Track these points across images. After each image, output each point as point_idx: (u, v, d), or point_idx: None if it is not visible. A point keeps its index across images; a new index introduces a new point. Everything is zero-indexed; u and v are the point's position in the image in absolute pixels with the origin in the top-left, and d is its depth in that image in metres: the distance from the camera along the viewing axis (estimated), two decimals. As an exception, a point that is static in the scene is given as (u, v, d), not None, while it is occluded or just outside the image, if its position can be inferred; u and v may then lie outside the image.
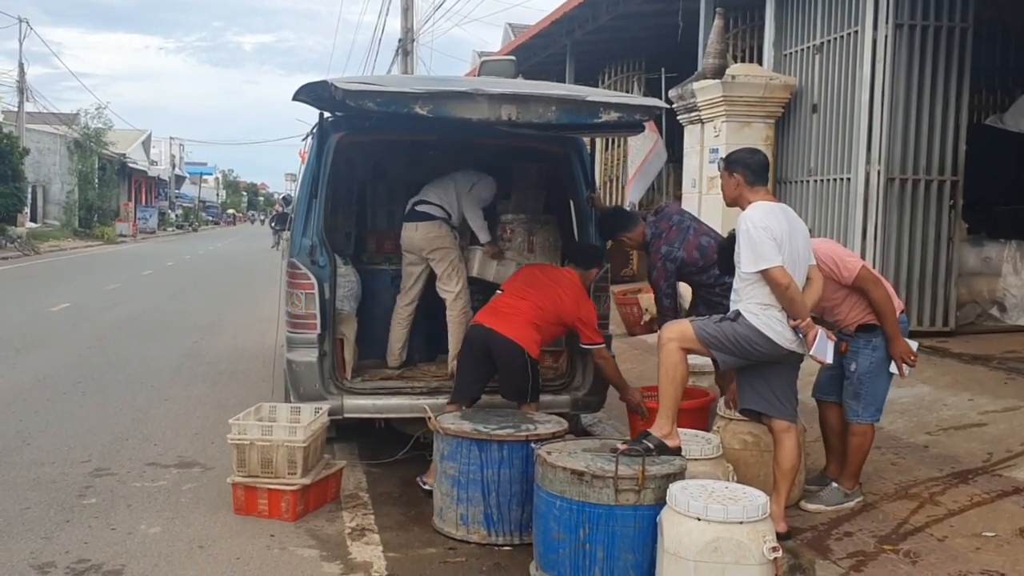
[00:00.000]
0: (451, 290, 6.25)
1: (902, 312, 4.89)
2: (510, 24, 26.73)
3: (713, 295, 5.46)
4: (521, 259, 7.01)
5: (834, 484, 4.85)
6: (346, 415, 5.68)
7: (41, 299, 15.33)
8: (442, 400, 5.43)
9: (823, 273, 4.54)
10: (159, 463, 5.96)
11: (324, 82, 4.93)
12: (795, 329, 4.21)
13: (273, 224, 10.28)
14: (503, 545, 4.64)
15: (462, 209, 6.36)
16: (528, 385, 5.34)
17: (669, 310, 5.47)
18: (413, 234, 6.24)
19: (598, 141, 15.90)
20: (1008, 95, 11.39)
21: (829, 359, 4.30)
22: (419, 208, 6.27)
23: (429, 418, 4.93)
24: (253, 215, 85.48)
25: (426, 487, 5.22)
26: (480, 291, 6.53)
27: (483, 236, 6.44)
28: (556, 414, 5.34)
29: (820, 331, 4.22)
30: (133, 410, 7.46)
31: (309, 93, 5.34)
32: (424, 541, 4.71)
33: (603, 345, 5.53)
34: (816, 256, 4.52)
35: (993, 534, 4.24)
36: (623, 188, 15.33)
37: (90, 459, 6.01)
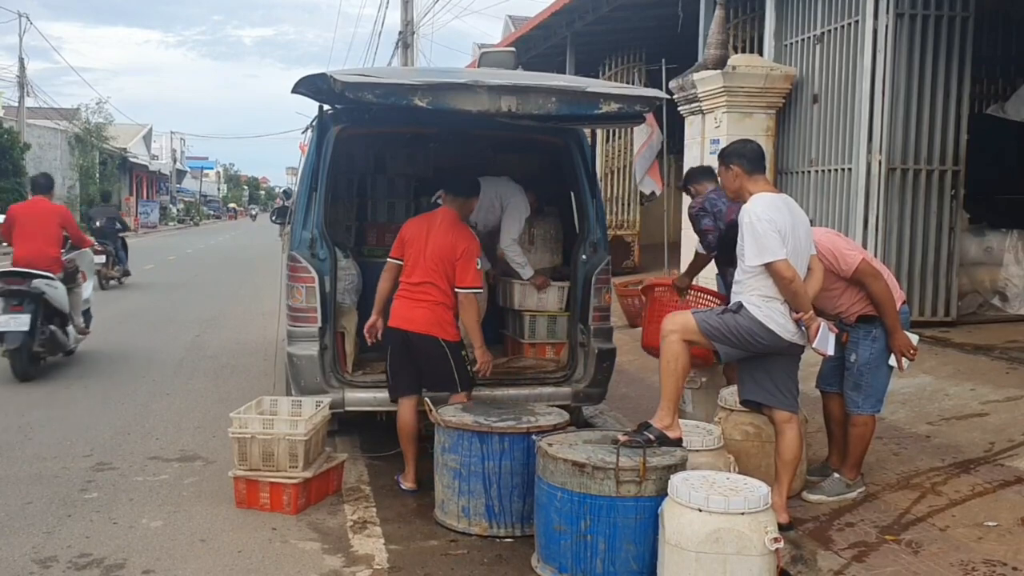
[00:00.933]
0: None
1: (904, 303, 4.87)
2: (510, 16, 26.69)
3: None
4: (522, 251, 7.01)
5: (836, 474, 4.84)
6: (347, 408, 5.68)
7: (43, 294, 15.31)
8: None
9: (824, 263, 4.53)
10: (161, 457, 5.97)
11: (323, 75, 4.92)
12: (797, 321, 4.20)
13: (273, 218, 10.33)
14: (505, 537, 4.65)
15: (491, 229, 6.50)
16: (452, 371, 5.26)
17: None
18: None
19: (599, 132, 15.88)
20: (1009, 84, 11.35)
21: (830, 351, 4.32)
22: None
23: (430, 410, 4.93)
24: (253, 208, 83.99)
25: (403, 487, 5.29)
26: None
27: (526, 273, 6.49)
28: (557, 406, 5.34)
29: (822, 324, 4.23)
30: (135, 404, 7.47)
31: (308, 86, 5.33)
32: (426, 533, 4.72)
33: (474, 291, 5.33)
34: (816, 247, 4.51)
35: (995, 524, 4.24)
36: (624, 179, 15.35)
37: (92, 453, 6.01)
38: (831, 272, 4.60)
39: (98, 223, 16.19)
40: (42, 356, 8.38)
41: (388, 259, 5.51)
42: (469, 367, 5.34)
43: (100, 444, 6.24)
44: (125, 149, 47.90)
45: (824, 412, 5.14)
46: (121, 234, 16.34)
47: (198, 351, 10.08)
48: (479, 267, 5.30)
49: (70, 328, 8.62)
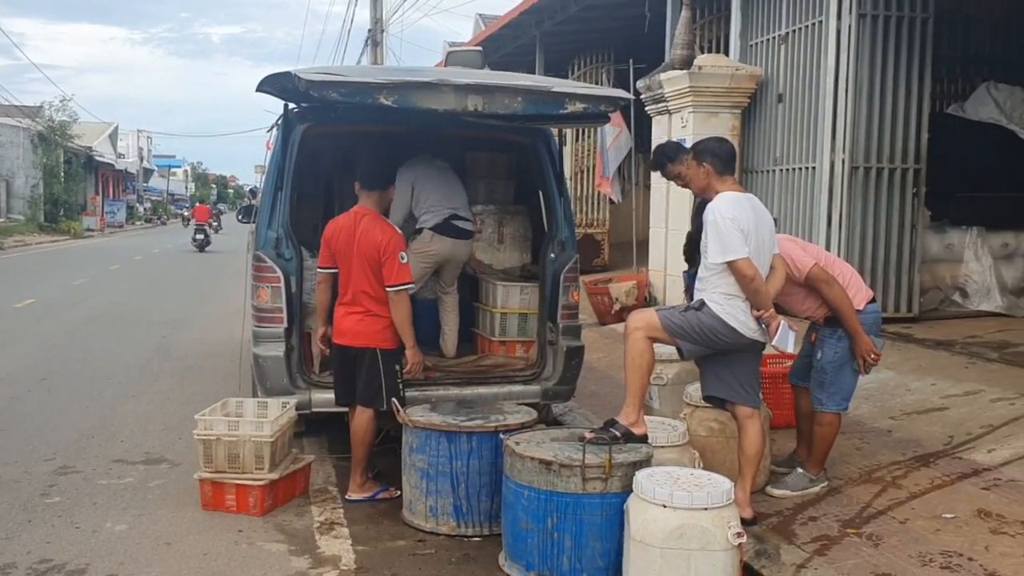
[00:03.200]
0: (452, 290, 6.55)
1: (872, 301, 4.90)
2: (480, 15, 26.67)
3: None
4: (491, 250, 7.04)
5: (800, 469, 4.91)
6: (314, 409, 5.64)
7: (6, 295, 15.11)
8: (412, 392, 5.42)
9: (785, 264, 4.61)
10: (125, 460, 5.91)
11: (288, 73, 4.90)
12: (758, 319, 4.26)
13: (240, 217, 10.35)
14: (472, 536, 4.66)
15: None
16: (381, 384, 5.09)
17: None
18: (455, 249, 6.31)
19: (568, 132, 15.92)
20: (969, 84, 11.52)
21: (791, 349, 4.38)
22: (459, 224, 6.29)
23: (397, 411, 4.92)
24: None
25: (351, 499, 5.14)
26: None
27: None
28: (526, 404, 5.36)
29: (783, 321, 4.29)
30: (99, 407, 7.39)
31: (273, 84, 5.30)
32: (393, 534, 4.71)
33: (402, 287, 5.10)
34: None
35: (953, 516, 4.31)
36: (594, 179, 15.41)
37: (54, 457, 5.94)
38: (790, 278, 4.66)
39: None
40: (205, 246, 28.56)
41: (318, 270, 5.38)
42: (398, 379, 5.18)
43: (63, 447, 6.17)
44: (90, 148, 47.28)
45: (794, 405, 5.20)
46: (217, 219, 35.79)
47: (164, 352, 10.00)
48: (403, 260, 5.12)
49: (211, 239, 29.28)
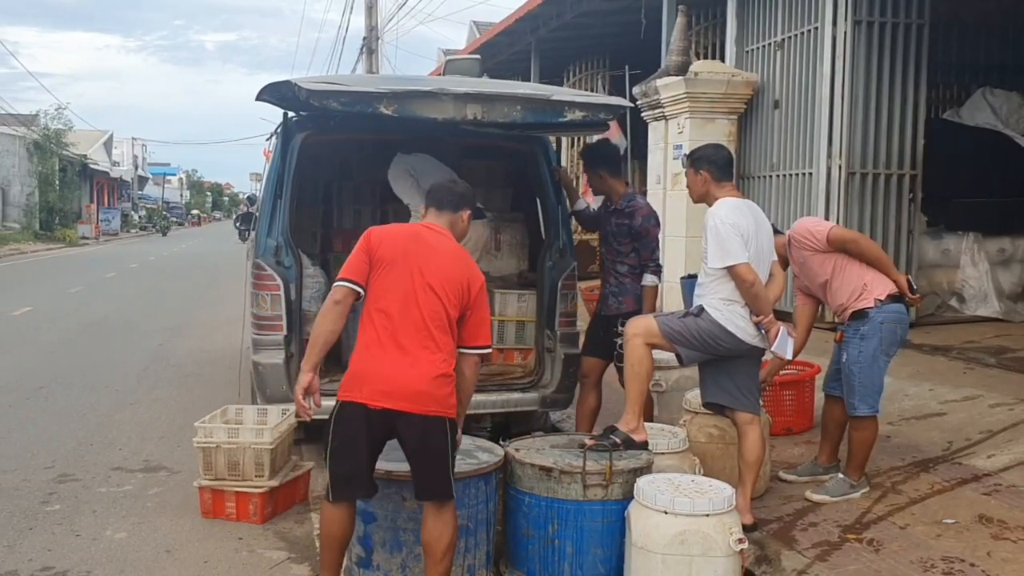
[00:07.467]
0: None
1: (893, 296, 4.78)
2: (475, 22, 26.73)
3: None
4: (488, 257, 7.04)
5: (840, 475, 4.84)
6: (314, 417, 5.62)
7: (2, 303, 15.07)
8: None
9: (807, 250, 4.69)
10: (124, 468, 5.91)
11: (288, 82, 4.91)
12: (757, 325, 4.27)
13: (238, 224, 10.52)
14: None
15: None
16: (449, 466, 3.63)
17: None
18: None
19: (564, 139, 15.94)
20: (964, 90, 11.57)
21: (789, 355, 4.40)
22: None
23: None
24: (213, 216, 78.71)
25: None
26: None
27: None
28: (524, 411, 5.35)
29: (782, 327, 4.30)
30: (97, 415, 7.38)
31: (273, 93, 5.31)
32: (394, 540, 4.70)
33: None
34: (794, 239, 4.71)
35: (953, 521, 4.32)
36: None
37: (53, 465, 5.93)
38: (818, 255, 4.70)
39: None
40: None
41: (345, 283, 3.86)
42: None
43: (62, 455, 6.16)
44: (85, 156, 47.26)
45: (824, 411, 5.16)
46: None
47: (162, 360, 9.98)
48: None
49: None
